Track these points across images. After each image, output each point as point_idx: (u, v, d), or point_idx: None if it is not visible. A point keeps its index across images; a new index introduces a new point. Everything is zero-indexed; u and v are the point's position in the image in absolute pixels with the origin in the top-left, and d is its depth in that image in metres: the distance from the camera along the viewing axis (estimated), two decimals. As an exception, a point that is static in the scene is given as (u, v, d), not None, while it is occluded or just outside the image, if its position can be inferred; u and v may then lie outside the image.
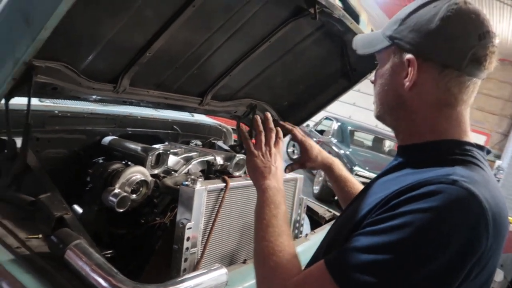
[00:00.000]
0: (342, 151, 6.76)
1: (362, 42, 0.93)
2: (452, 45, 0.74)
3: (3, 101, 1.21)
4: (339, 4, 1.60)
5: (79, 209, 1.56)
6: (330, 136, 7.62)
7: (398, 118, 0.84)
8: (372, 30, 1.64)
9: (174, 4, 1.38)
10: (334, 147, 7.03)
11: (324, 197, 6.60)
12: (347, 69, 2.07)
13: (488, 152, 0.81)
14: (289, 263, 0.81)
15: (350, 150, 7.15)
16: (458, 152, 0.76)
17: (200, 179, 1.34)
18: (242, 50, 1.82)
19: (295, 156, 10.44)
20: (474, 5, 0.77)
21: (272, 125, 1.09)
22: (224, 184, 1.43)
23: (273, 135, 1.08)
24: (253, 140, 2.45)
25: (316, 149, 1.38)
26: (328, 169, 1.37)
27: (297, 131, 1.41)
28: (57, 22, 0.92)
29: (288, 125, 1.41)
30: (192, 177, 1.35)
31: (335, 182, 1.35)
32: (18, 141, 1.34)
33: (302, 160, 1.40)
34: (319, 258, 0.78)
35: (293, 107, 2.39)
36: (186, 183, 1.30)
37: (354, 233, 0.71)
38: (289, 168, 1.39)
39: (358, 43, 0.95)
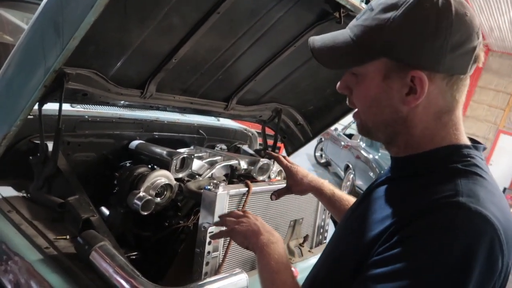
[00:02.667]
0: (371, 156, 6.63)
1: (328, 52, 0.78)
2: (460, 52, 0.68)
3: (36, 106, 1.26)
4: (365, 6, 1.57)
5: (106, 211, 1.61)
6: (358, 140, 7.49)
7: (394, 133, 0.77)
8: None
9: (199, 11, 1.40)
10: (362, 152, 6.91)
11: (352, 202, 6.49)
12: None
13: (484, 149, 0.77)
14: None
15: (379, 154, 7.00)
16: (457, 160, 0.71)
17: (222, 184, 1.35)
18: (267, 55, 1.83)
19: (322, 160, 10.30)
20: None
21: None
22: (247, 189, 1.43)
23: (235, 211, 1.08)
24: (279, 144, 2.45)
25: (301, 173, 1.31)
26: (318, 191, 1.29)
27: (281, 158, 1.38)
28: (85, 31, 0.95)
29: (273, 154, 1.45)
30: (215, 181, 1.36)
31: (329, 204, 1.26)
32: (51, 145, 1.40)
33: (288, 185, 1.33)
34: (317, 279, 0.78)
35: (319, 111, 2.37)
36: (208, 187, 1.32)
37: (364, 268, 0.66)
38: (275, 195, 1.34)
39: (322, 53, 0.79)
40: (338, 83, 0.80)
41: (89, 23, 0.92)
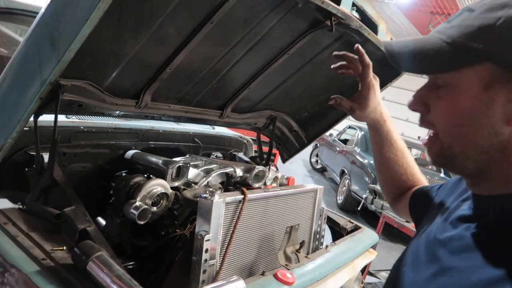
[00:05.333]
0: (366, 161, 6.66)
1: (413, 55, 0.64)
2: None
3: (31, 118, 1.27)
4: (356, 15, 1.60)
5: (102, 221, 1.61)
6: (353, 146, 7.53)
7: (488, 162, 0.62)
8: (391, 39, 1.62)
9: (193, 21, 1.42)
10: (358, 157, 6.94)
11: (348, 207, 6.52)
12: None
13: None
14: None
15: (375, 159, 7.03)
16: None
17: (218, 191, 1.36)
18: (261, 62, 1.85)
19: (318, 166, 10.30)
20: None
21: None
22: (243, 196, 1.44)
23: None
24: (275, 150, 2.46)
25: (374, 102, 1.10)
26: (374, 127, 1.13)
27: (370, 69, 1.13)
28: (80, 44, 0.96)
29: (366, 58, 1.14)
30: (211, 189, 1.37)
31: (377, 143, 1.12)
32: (47, 156, 1.40)
33: (354, 105, 1.12)
34: None
35: (313, 118, 2.39)
36: (204, 195, 1.33)
37: None
38: (336, 101, 1.12)
39: (404, 56, 0.65)
40: (411, 99, 0.68)
41: (84, 35, 0.93)
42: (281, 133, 2.46)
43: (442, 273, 0.64)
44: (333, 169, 8.05)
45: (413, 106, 0.68)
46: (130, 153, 1.84)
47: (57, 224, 1.29)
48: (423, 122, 0.68)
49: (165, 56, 1.53)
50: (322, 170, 9.35)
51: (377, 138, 1.13)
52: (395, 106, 11.27)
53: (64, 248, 1.18)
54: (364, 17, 1.62)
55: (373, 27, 1.67)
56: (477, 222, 0.65)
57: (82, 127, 1.72)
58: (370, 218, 6.11)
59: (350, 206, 6.50)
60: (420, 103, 0.67)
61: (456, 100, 0.62)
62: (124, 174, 1.73)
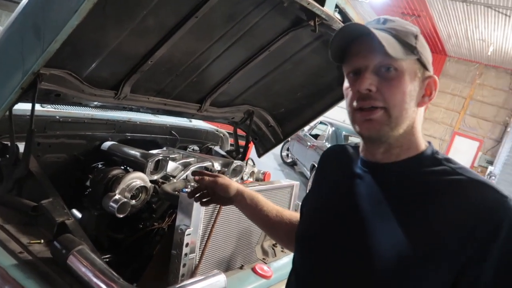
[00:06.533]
0: (336, 156, 6.79)
1: (387, 41, 0.77)
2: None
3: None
4: (338, 16, 1.63)
5: (77, 214, 1.58)
6: (324, 141, 7.66)
7: (404, 133, 0.82)
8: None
9: (177, 14, 1.41)
10: (328, 152, 7.07)
11: (318, 201, 6.63)
12: (343, 78, 2.11)
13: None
14: None
15: (345, 154, 7.17)
16: (443, 157, 0.83)
17: (199, 186, 1.37)
18: (242, 58, 1.86)
19: (289, 160, 10.34)
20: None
21: None
22: (223, 191, 1.45)
23: None
24: (250, 146, 2.49)
25: (231, 188, 1.15)
26: (238, 200, 1.16)
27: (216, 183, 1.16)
28: (67, 35, 0.94)
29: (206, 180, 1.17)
30: (192, 184, 1.37)
31: (253, 213, 1.16)
32: (20, 146, 1.36)
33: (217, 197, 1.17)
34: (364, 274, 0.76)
35: (290, 114, 2.42)
36: (186, 190, 1.33)
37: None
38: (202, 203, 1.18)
39: (373, 43, 0.77)
40: (364, 82, 0.79)
41: (72, 26, 0.91)
42: (257, 128, 2.49)
43: (391, 232, 0.77)
44: (304, 163, 8.16)
45: (370, 86, 0.80)
46: (106, 144, 1.81)
47: (33, 217, 1.26)
48: (370, 99, 0.80)
49: (147, 48, 1.51)
50: (293, 164, 9.46)
51: (247, 208, 1.16)
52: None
53: (42, 241, 1.16)
54: (346, 19, 1.66)
55: (353, 29, 1.71)
56: (390, 186, 0.83)
57: (57, 117, 1.67)
58: (338, 212, 6.24)
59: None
60: (373, 84, 0.80)
61: (404, 81, 0.80)
62: (100, 166, 1.70)
